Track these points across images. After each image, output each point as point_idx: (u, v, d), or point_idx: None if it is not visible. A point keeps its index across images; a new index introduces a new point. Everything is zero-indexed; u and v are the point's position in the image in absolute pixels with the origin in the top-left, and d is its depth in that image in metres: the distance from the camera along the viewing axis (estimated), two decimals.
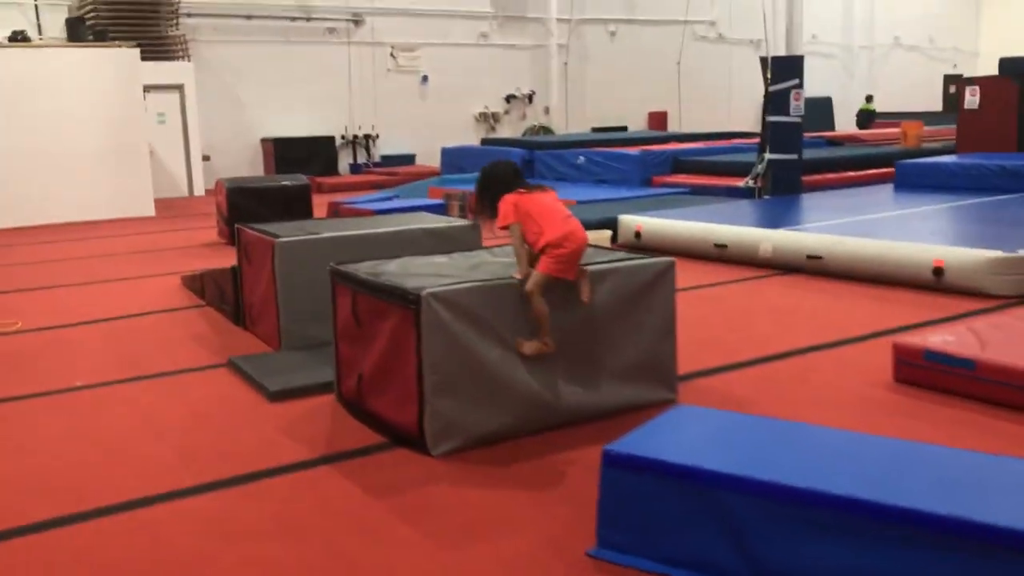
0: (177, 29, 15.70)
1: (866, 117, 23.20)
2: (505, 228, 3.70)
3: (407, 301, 3.42)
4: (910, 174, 10.16)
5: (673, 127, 22.23)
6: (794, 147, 9.92)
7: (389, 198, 11.66)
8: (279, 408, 4.11)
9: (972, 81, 11.37)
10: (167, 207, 13.30)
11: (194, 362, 4.92)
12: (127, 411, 4.19)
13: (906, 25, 26.83)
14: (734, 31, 23.51)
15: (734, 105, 23.80)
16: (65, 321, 6.08)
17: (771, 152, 9.88)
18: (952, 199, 8.73)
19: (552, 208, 3.71)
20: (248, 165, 17.23)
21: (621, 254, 4.18)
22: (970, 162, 9.64)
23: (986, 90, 11.16)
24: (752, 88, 25.21)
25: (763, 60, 9.86)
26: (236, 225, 5.61)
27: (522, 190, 3.75)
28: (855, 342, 4.92)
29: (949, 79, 28.90)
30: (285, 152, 17.30)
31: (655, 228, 8.01)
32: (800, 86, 9.79)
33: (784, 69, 9.72)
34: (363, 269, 3.91)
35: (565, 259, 3.56)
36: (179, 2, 15.68)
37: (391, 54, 18.83)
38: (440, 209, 10.11)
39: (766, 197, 9.87)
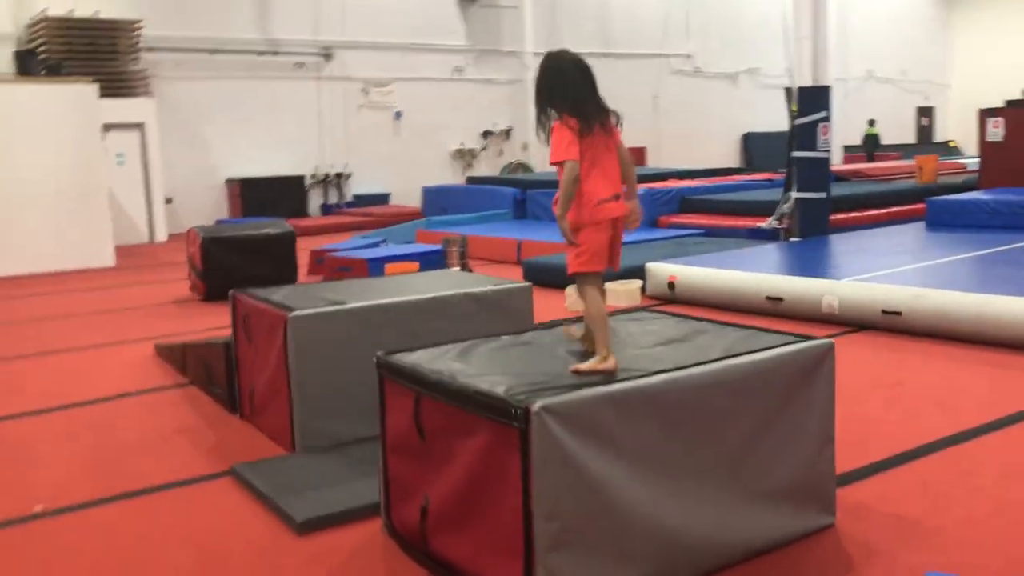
0: (137, 64, 14.66)
1: (873, 142, 22.89)
2: (558, 165, 3.03)
3: (507, 415, 2.46)
4: (943, 212, 9.44)
5: (651, 163, 21.59)
6: (822, 185, 9.17)
7: (376, 243, 10.69)
8: (310, 544, 3.12)
9: (995, 112, 10.76)
10: (128, 255, 12.19)
11: (187, 470, 3.89)
12: (105, 551, 3.17)
13: (879, 58, 26.60)
14: (711, 65, 23.02)
15: (712, 140, 23.26)
16: (15, 409, 5.01)
17: (798, 190, 9.10)
18: (1006, 240, 7.99)
19: (611, 164, 3.11)
20: (213, 207, 16.16)
21: (749, 330, 3.26)
22: (1013, 199, 8.94)
23: (1012, 121, 10.54)
24: (730, 123, 24.83)
25: (787, 91, 9.12)
26: (233, 292, 4.61)
27: (587, 119, 3.06)
28: (1006, 426, 4.06)
29: (922, 111, 28.84)
30: (252, 193, 16.27)
31: (693, 278, 7.14)
32: (828, 119, 9.05)
33: (811, 100, 8.98)
34: (422, 361, 2.96)
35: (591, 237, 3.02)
36: (139, 35, 14.65)
37: (363, 89, 17.93)
38: (438, 256, 9.17)
39: (794, 239, 9.08)
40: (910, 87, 27.81)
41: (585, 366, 2.83)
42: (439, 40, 18.72)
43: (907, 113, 28.18)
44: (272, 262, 8.51)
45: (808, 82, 8.90)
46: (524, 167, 19.85)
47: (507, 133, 19.90)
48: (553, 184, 12.38)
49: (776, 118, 24.94)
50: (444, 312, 4.23)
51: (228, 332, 6.79)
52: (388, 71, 18.15)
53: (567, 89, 3.15)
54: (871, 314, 5.99)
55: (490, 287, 4.40)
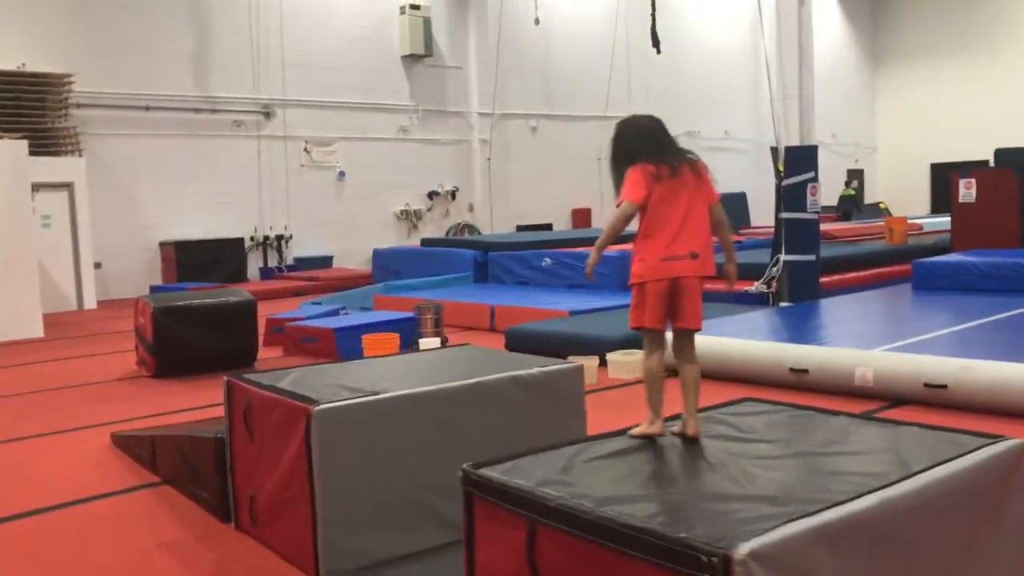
0: (66, 120, 13.75)
1: (851, 203, 23.18)
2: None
3: (695, 565, 1.84)
4: (930, 275, 9.18)
5: (596, 224, 21.33)
6: (812, 247, 8.84)
7: (335, 311, 9.96)
8: None
9: (967, 173, 10.66)
10: (56, 325, 11.19)
11: None
12: None
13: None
14: None
15: None
16: None
17: (787, 253, 8.74)
18: (1008, 303, 7.71)
19: (695, 219, 3.08)
20: (145, 272, 15.18)
21: (893, 424, 2.71)
22: (1002, 260, 8.73)
23: (984, 183, 10.45)
24: None
25: (773, 151, 8.80)
26: (228, 379, 3.88)
27: (663, 163, 3.07)
28: None
29: (852, 173, 29.38)
30: (187, 257, 15.35)
31: (701, 348, 6.60)
32: (816, 179, 8.76)
33: (798, 160, 8.67)
34: (523, 476, 2.32)
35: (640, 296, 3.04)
36: (69, 90, 13.77)
37: (304, 148, 17.26)
38: (410, 324, 8.50)
39: (784, 304, 8.69)
40: (840, 150, 28.32)
41: (637, 431, 2.90)
42: (383, 99, 18.22)
43: (839, 176, 28.66)
44: (231, 334, 7.74)
45: (794, 142, 8.60)
46: (471, 228, 19.34)
47: (453, 194, 19.39)
48: (515, 246, 11.79)
49: (720, 179, 25.03)
50: (488, 400, 3.60)
51: (190, 416, 6.06)
52: (331, 130, 17.54)
53: (644, 142, 3.16)
54: (911, 387, 5.54)
55: (537, 369, 3.78)
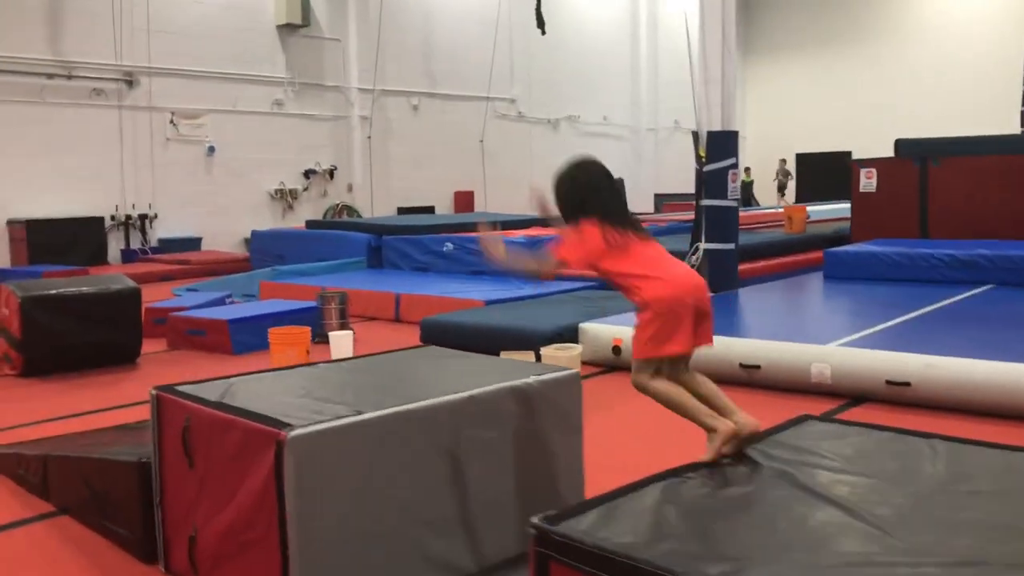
0: None
1: (748, 190, 23.55)
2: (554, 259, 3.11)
3: None
4: (842, 264, 9.15)
5: (479, 208, 20.86)
6: (732, 235, 8.62)
7: (220, 299, 9.10)
8: None
9: (866, 163, 10.72)
10: None
11: None
12: None
13: (683, 109, 27.30)
14: (533, 110, 22.67)
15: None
16: None
17: (707, 240, 8.50)
18: (937, 294, 7.69)
19: (661, 255, 3.14)
20: None
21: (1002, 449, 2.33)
22: (914, 251, 8.75)
23: (884, 173, 10.53)
24: (552, 169, 24.41)
25: (695, 135, 8.52)
26: (157, 393, 3.17)
27: (617, 226, 3.08)
28: None
29: None
30: (40, 237, 13.98)
31: None
32: (736, 165, 8.53)
33: (719, 145, 8.42)
34: (614, 534, 1.81)
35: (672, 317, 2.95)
36: None
37: (171, 121, 16.01)
38: (311, 314, 7.80)
39: None
40: None
41: (708, 456, 2.73)
42: (257, 70, 17.13)
43: None
44: (110, 326, 6.84)
45: (716, 127, 8.33)
46: (351, 210, 18.50)
47: (331, 173, 18.49)
48: (412, 229, 11.12)
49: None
50: (485, 416, 3.05)
51: (72, 425, 5.22)
52: (200, 102, 16.34)
53: (601, 202, 3.11)
54: (871, 384, 5.31)
55: (534, 377, 3.25)
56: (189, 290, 10.67)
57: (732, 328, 6.39)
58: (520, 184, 22.30)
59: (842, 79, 27.45)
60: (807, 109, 28.24)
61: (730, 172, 8.40)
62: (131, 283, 6.98)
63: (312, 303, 7.94)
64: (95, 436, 4.41)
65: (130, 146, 15.43)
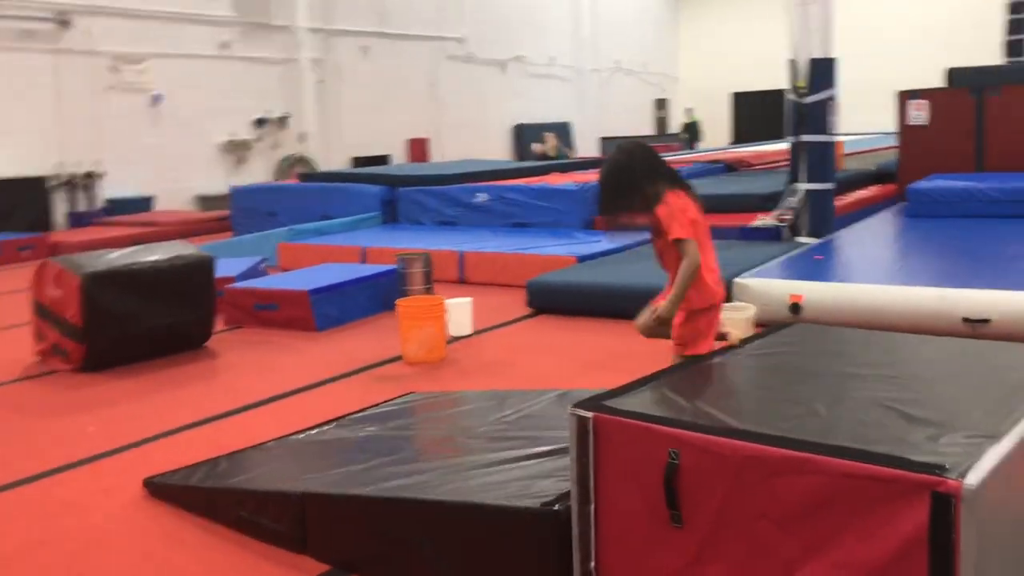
0: None
1: (694, 130, 23.05)
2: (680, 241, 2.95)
3: None
4: (924, 200, 8.59)
5: (435, 156, 19.70)
6: (829, 174, 7.91)
7: (256, 265, 7.90)
8: None
9: (917, 94, 10.15)
10: None
11: None
12: None
13: (624, 50, 26.60)
14: (483, 50, 21.49)
15: (488, 131, 21.78)
16: None
17: (808, 180, 7.77)
18: None
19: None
20: None
21: None
22: (1011, 185, 8.25)
23: (937, 104, 9.99)
24: (502, 113, 23.38)
25: (792, 63, 7.72)
26: (585, 412, 2.18)
27: (679, 189, 3.06)
28: None
29: (659, 103, 29.43)
30: None
31: (833, 297, 5.48)
32: (835, 97, 7.80)
33: (820, 75, 7.66)
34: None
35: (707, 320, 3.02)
36: None
37: (112, 67, 14.25)
38: (393, 277, 6.76)
39: (802, 239, 7.73)
40: (649, 79, 28.17)
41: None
42: (201, 8, 15.42)
43: (648, 105, 28.57)
44: (181, 305, 5.65)
45: (817, 53, 7.55)
46: (306, 161, 17.07)
47: (283, 121, 16.99)
48: (429, 180, 10.07)
49: (544, 108, 24.00)
50: None
51: (198, 436, 4.08)
52: (142, 44, 14.58)
53: (661, 168, 3.09)
54: None
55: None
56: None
57: (930, 277, 5.67)
58: (473, 129, 21.20)
59: (775, 14, 27.09)
60: (740, 49, 27.81)
61: (829, 104, 7.65)
62: (203, 252, 5.78)
63: (390, 266, 6.87)
64: (283, 450, 3.38)
65: (68, 95, 13.62)
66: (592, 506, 2.21)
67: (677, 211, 2.97)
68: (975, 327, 5.05)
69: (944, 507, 1.71)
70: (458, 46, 20.76)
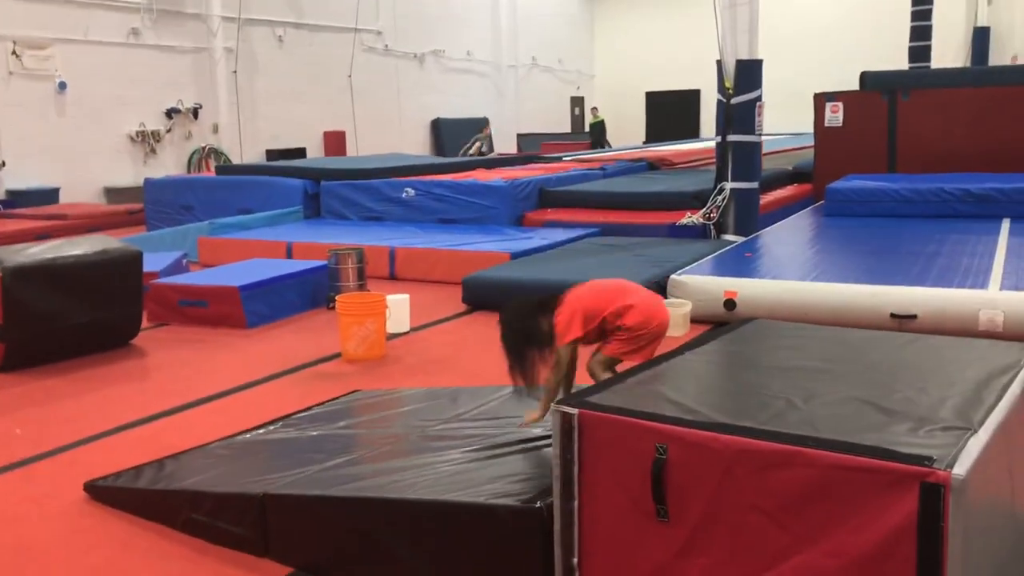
0: None
1: (600, 130, 23.14)
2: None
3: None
4: (847, 201, 8.86)
5: (352, 150, 19.45)
6: (755, 173, 8.10)
7: (179, 260, 7.66)
8: None
9: (833, 96, 10.47)
10: None
11: None
12: None
13: (540, 47, 26.71)
14: (400, 43, 21.31)
15: (405, 125, 21.60)
16: None
17: (733, 179, 7.94)
18: (964, 228, 7.51)
19: (618, 284, 3.23)
20: None
21: None
22: (925, 186, 8.57)
23: (851, 106, 10.33)
24: (420, 107, 23.19)
25: (719, 64, 7.87)
26: (569, 409, 2.18)
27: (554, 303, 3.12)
28: None
29: (575, 101, 29.63)
30: None
31: (763, 293, 5.61)
32: (761, 98, 7.99)
33: (746, 75, 7.83)
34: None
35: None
36: None
37: (13, 52, 13.64)
38: (320, 275, 6.64)
39: (728, 236, 7.91)
40: (565, 76, 28.35)
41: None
42: None
43: (564, 102, 28.75)
44: (107, 301, 5.44)
45: (743, 55, 7.71)
46: (219, 153, 16.64)
47: (195, 112, 16.52)
48: (354, 174, 9.95)
49: (462, 103, 23.91)
50: None
51: (133, 438, 3.94)
52: (45, 29, 13.99)
53: (532, 311, 3.14)
54: None
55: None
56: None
57: (862, 275, 5.84)
58: (390, 123, 21.01)
59: (689, 15, 27.57)
60: (655, 49, 28.23)
61: (756, 105, 7.83)
62: (130, 247, 5.57)
63: (320, 262, 6.75)
64: (236, 450, 3.29)
65: None
66: (575, 502, 2.21)
67: (561, 326, 3.02)
68: (902, 322, 5.23)
69: (933, 497, 1.77)
70: (375, 38, 20.53)
